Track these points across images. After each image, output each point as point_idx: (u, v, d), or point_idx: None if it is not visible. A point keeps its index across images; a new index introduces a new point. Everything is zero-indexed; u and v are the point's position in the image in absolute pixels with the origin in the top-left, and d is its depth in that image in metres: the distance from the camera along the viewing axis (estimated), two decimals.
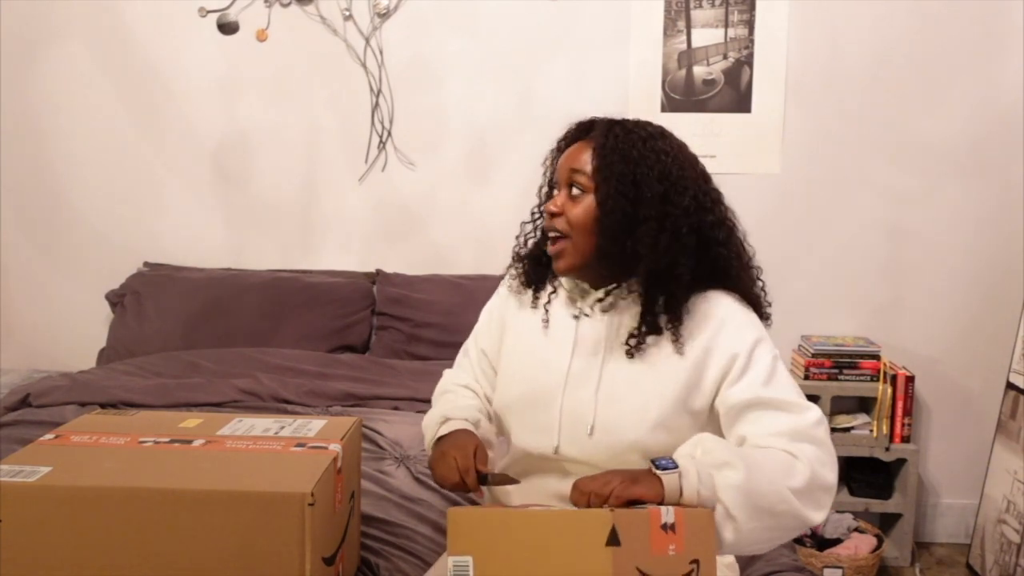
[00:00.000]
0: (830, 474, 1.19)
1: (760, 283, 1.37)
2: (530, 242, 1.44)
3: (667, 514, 1.04)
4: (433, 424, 1.38)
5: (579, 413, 1.29)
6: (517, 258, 1.44)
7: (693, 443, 1.18)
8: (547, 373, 1.34)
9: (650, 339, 1.28)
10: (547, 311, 1.38)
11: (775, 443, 1.19)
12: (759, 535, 1.13)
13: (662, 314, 1.28)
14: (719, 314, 1.29)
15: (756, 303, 1.35)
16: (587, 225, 1.28)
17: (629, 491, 1.06)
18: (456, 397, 1.46)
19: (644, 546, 1.01)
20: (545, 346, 1.36)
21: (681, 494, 1.09)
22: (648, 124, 1.33)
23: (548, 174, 1.39)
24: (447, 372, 1.56)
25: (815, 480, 1.16)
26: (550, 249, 1.34)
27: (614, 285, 1.32)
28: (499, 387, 1.43)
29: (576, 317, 1.35)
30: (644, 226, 1.25)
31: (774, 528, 1.14)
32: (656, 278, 1.26)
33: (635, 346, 1.28)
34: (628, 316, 1.32)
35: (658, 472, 1.09)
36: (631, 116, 1.36)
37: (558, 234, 1.31)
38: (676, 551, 1.02)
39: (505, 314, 1.46)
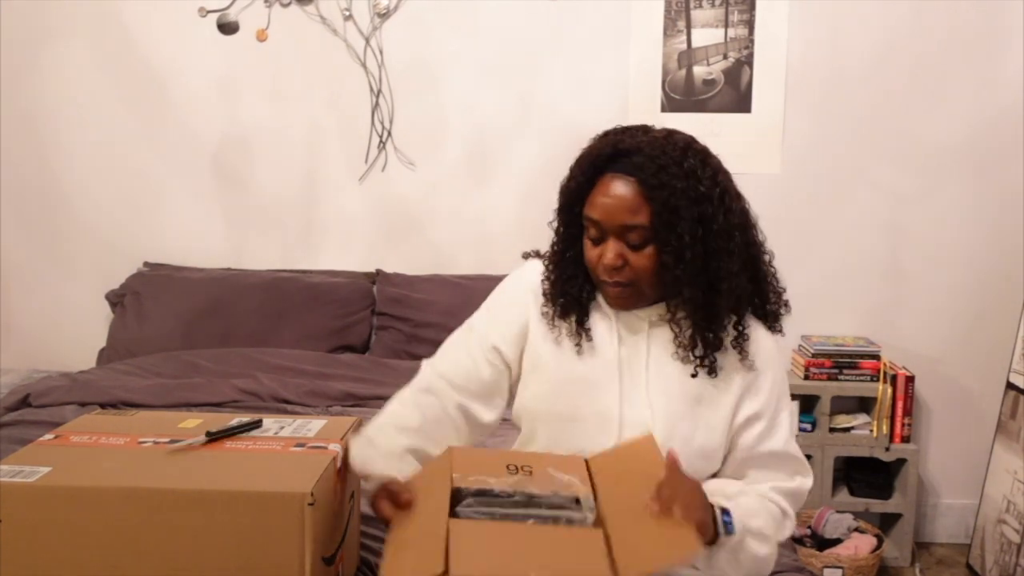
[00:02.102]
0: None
1: (774, 282, 1.41)
2: (567, 286, 1.31)
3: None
4: (394, 454, 1.27)
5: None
6: (551, 298, 1.33)
7: (741, 491, 1.24)
8: (596, 392, 1.29)
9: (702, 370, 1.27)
10: (589, 335, 1.31)
11: (775, 497, 1.27)
12: (733, 573, 1.21)
13: (720, 333, 1.26)
14: (759, 358, 1.30)
15: (775, 315, 1.40)
16: (657, 274, 1.22)
17: (691, 519, 1.07)
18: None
19: None
20: (589, 365, 1.30)
21: (713, 543, 1.13)
22: (673, 139, 1.26)
23: (569, 206, 1.28)
24: (430, 365, 1.50)
25: (787, 535, 1.30)
26: (612, 296, 1.27)
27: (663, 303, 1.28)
28: (530, 395, 1.35)
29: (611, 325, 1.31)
30: (721, 258, 1.21)
31: (742, 568, 1.22)
32: (714, 295, 1.24)
33: (710, 366, 1.26)
34: (664, 329, 1.29)
35: (722, 532, 1.13)
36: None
37: (621, 282, 1.23)
38: None
39: (530, 322, 1.37)
